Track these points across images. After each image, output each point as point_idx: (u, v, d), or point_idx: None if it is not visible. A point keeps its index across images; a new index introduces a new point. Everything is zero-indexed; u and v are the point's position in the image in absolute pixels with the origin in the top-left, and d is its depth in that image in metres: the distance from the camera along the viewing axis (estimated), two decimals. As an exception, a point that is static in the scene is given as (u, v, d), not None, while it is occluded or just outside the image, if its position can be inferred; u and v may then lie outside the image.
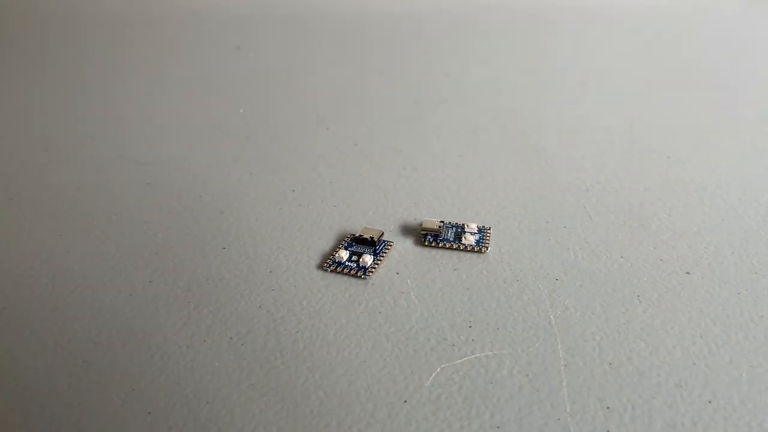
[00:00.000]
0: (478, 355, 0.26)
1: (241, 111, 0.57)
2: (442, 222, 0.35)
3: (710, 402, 0.24)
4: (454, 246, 0.33)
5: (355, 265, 0.32)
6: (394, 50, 0.72)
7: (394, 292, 0.30)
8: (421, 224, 0.35)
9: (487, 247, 0.33)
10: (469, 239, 0.34)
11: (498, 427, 0.23)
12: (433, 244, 0.34)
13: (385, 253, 0.33)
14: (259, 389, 0.25)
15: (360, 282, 0.31)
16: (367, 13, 0.79)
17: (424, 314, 0.28)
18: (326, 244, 0.34)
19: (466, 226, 0.35)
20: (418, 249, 0.33)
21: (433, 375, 0.25)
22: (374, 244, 0.33)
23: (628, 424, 0.23)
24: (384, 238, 0.34)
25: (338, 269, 0.31)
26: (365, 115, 0.54)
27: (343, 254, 0.32)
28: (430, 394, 0.24)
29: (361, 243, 0.33)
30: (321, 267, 0.32)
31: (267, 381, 0.25)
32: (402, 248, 0.34)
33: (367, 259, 0.32)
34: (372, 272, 0.31)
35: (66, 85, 0.63)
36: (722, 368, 0.25)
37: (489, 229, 0.35)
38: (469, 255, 0.33)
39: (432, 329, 0.28)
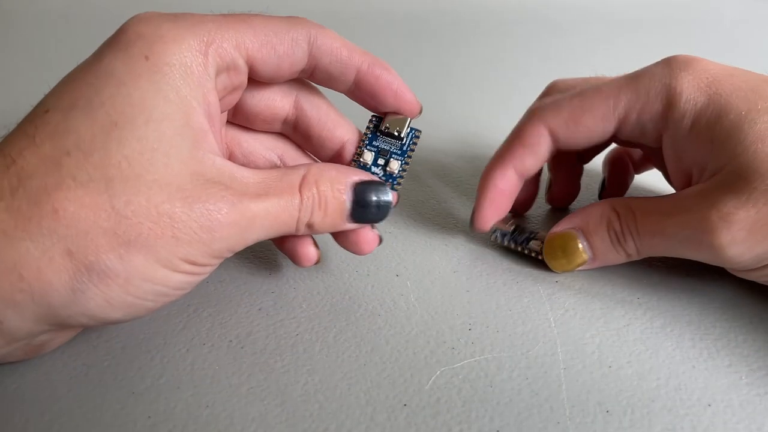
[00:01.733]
0: (477, 358, 0.26)
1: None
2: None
3: (710, 405, 0.24)
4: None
5: (382, 172, 0.29)
6: (397, 50, 0.72)
7: (393, 295, 0.30)
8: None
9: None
10: None
11: (498, 430, 0.23)
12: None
13: (413, 149, 0.29)
14: (259, 393, 0.25)
15: (359, 284, 0.31)
16: (369, 12, 0.79)
17: (424, 317, 0.28)
18: (326, 246, 0.34)
19: None
20: (418, 250, 0.33)
21: (433, 378, 0.25)
22: (401, 138, 0.29)
23: (628, 427, 0.23)
24: (412, 125, 0.30)
25: None
26: (365, 114, 0.54)
27: (368, 156, 0.29)
28: (430, 398, 0.24)
29: (387, 136, 0.29)
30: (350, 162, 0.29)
31: (266, 384, 0.25)
32: (402, 249, 0.33)
33: (394, 165, 0.29)
34: (401, 182, 0.29)
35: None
36: (722, 371, 0.26)
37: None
38: (469, 258, 0.33)
39: (431, 332, 0.28)
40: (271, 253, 0.33)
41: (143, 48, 0.22)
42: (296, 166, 0.26)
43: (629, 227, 0.28)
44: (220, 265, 0.32)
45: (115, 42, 0.23)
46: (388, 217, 0.27)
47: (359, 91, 0.28)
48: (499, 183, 0.31)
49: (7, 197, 0.20)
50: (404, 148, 0.29)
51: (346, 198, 0.26)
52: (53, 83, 0.23)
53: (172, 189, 0.21)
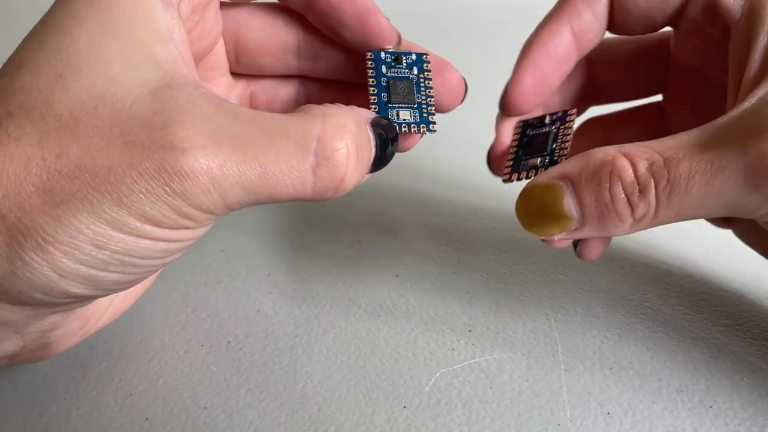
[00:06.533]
0: (477, 359, 0.26)
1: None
2: None
3: (711, 407, 0.24)
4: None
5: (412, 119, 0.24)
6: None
7: (393, 296, 0.30)
8: None
9: None
10: None
11: (498, 432, 0.23)
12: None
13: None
14: (257, 394, 0.24)
15: (359, 285, 0.30)
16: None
17: (424, 318, 0.28)
18: (325, 247, 0.34)
19: None
20: (418, 250, 0.33)
21: (433, 380, 0.25)
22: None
23: (629, 429, 0.23)
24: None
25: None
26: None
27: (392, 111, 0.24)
28: (430, 399, 0.24)
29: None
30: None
31: (265, 386, 0.25)
32: (401, 249, 0.33)
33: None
34: (434, 119, 0.25)
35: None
36: (724, 372, 0.25)
37: None
38: (469, 259, 0.33)
39: (431, 333, 0.27)
40: (271, 253, 0.33)
41: None
42: (308, 106, 0.21)
43: (655, 173, 0.19)
44: (218, 265, 0.32)
45: None
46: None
47: (314, 9, 0.23)
48: (549, 41, 0.25)
49: None
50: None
51: (372, 142, 0.21)
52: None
53: (114, 134, 0.17)
